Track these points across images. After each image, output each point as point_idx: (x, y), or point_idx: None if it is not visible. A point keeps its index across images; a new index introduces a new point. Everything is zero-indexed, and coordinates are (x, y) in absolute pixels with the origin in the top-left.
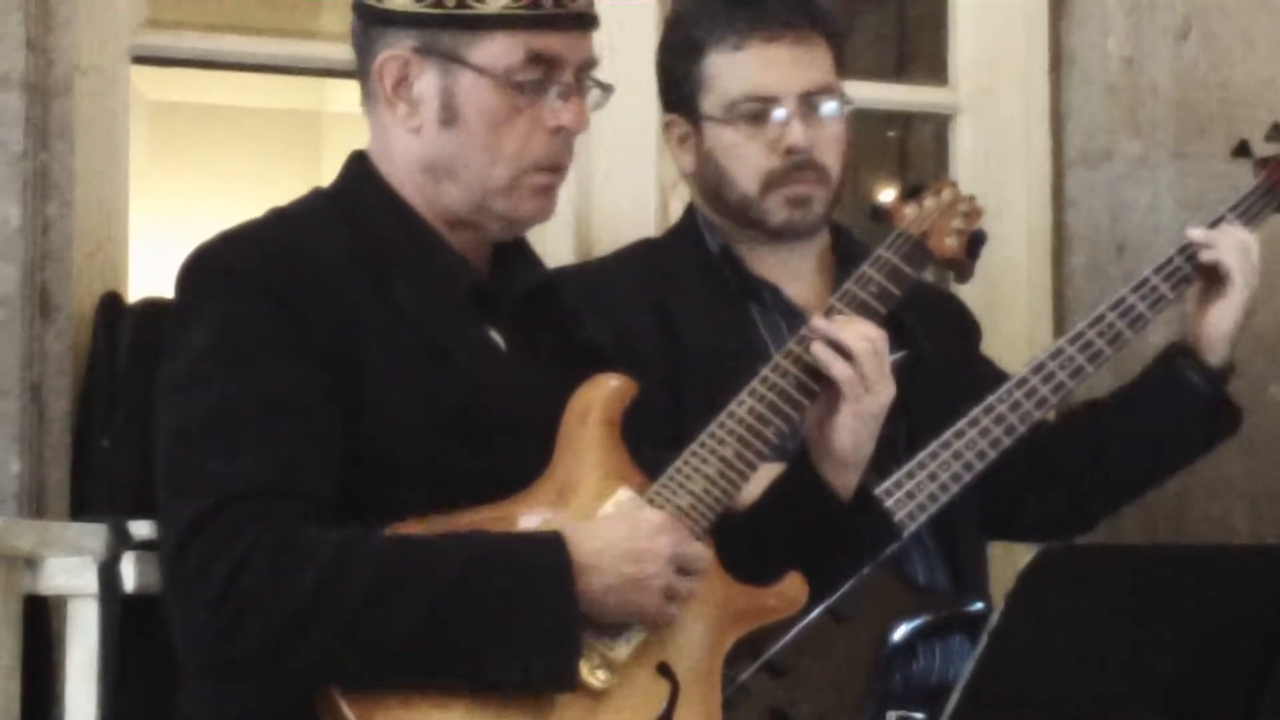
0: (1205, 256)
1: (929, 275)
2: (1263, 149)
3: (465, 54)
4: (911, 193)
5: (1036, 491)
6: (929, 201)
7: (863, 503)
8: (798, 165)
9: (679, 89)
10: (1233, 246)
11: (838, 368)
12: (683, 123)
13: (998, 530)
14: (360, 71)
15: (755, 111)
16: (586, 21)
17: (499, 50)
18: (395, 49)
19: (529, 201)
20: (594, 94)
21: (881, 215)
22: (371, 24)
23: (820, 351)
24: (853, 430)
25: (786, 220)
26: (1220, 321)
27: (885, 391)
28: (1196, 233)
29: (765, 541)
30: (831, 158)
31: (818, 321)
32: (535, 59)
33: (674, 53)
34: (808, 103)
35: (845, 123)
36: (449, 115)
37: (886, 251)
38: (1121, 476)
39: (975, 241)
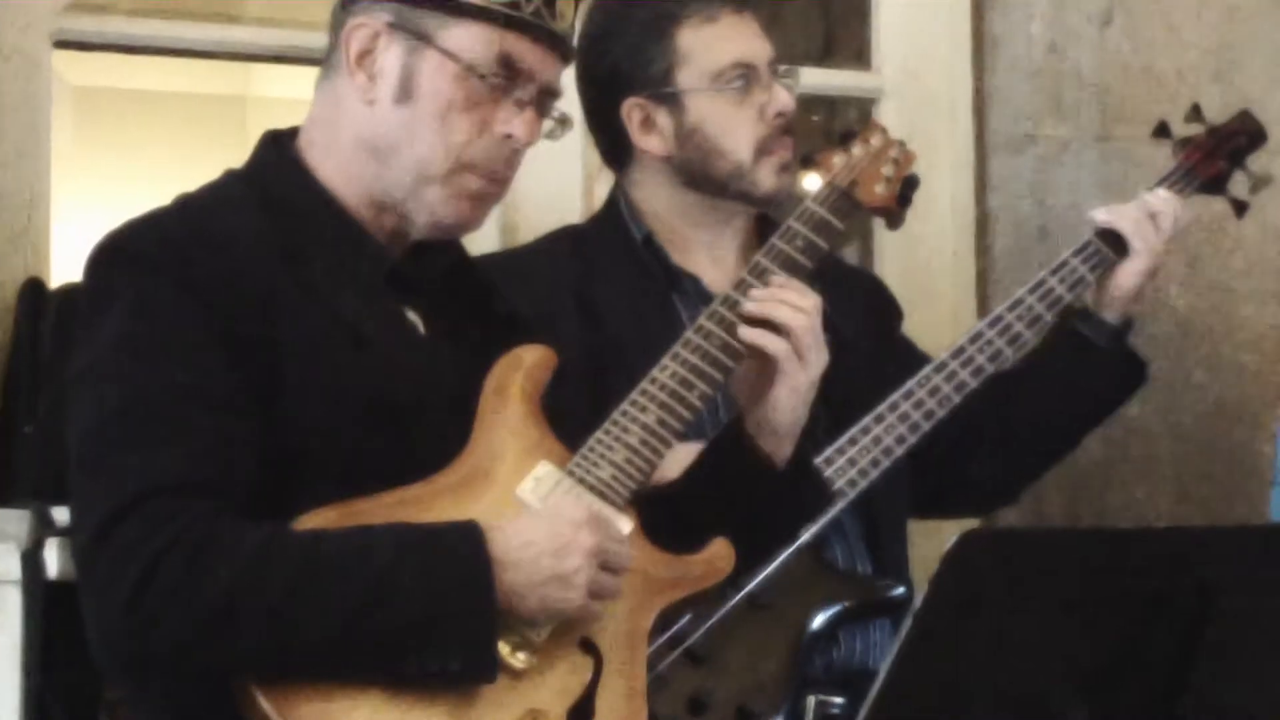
0: (1099, 217)
1: (857, 223)
2: (1182, 129)
3: (435, 35)
4: (841, 139)
5: (962, 463)
6: (857, 149)
7: (798, 470)
8: (784, 130)
9: (647, 68)
10: (1130, 212)
11: (773, 345)
12: (647, 104)
13: (927, 507)
14: (329, 43)
15: (742, 76)
16: (562, 44)
17: (470, 40)
18: (368, 19)
19: (458, 203)
20: (548, 124)
21: (811, 164)
22: None
23: (750, 334)
24: (789, 403)
25: (775, 187)
26: (1122, 281)
27: (819, 361)
28: (1100, 210)
29: (696, 511)
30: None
31: (749, 305)
32: (504, 62)
33: (639, 31)
34: (773, 70)
35: None
36: (405, 92)
37: (813, 204)
38: (1039, 440)
39: (907, 186)
